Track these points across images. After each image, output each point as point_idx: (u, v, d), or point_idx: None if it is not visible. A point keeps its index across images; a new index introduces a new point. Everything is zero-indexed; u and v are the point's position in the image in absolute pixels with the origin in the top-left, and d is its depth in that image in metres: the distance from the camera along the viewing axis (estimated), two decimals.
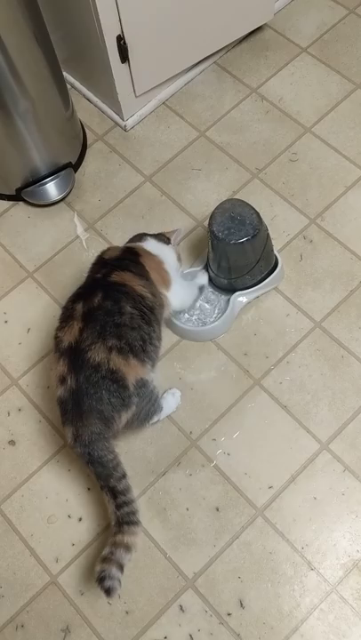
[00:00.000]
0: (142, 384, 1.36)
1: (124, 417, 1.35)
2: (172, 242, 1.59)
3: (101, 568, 1.26)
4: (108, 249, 1.54)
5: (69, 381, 1.32)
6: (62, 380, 1.34)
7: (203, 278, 1.65)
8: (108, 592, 1.25)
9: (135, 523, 1.30)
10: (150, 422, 1.47)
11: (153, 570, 1.43)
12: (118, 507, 1.30)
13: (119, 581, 1.26)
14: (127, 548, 1.28)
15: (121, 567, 1.27)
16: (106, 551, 1.28)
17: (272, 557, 1.42)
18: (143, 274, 1.45)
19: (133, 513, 1.31)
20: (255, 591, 1.40)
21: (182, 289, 1.55)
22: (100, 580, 1.25)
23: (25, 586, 1.45)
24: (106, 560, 1.27)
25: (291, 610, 1.37)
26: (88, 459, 1.32)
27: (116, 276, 1.42)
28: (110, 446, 1.34)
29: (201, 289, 1.64)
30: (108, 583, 1.25)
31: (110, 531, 1.31)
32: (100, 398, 1.31)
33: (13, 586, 1.45)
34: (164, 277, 1.50)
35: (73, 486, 1.52)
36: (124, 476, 1.33)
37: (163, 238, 1.58)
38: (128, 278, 1.42)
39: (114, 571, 1.26)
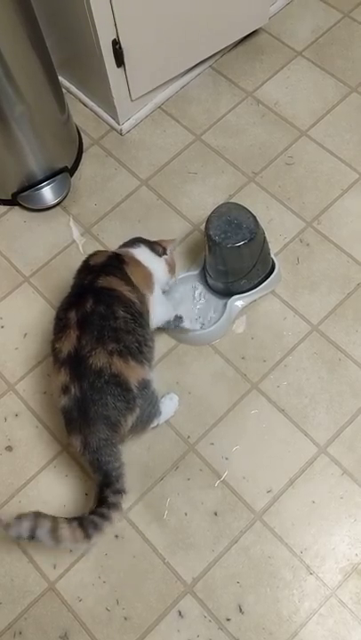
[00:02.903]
0: (145, 385, 1.37)
1: (130, 420, 1.35)
2: (168, 252, 1.56)
3: (33, 517, 1.25)
4: (95, 254, 1.52)
5: (73, 390, 1.32)
6: (65, 390, 1.33)
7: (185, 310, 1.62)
8: (6, 526, 1.24)
9: (88, 535, 1.25)
10: (150, 426, 1.46)
11: (151, 575, 1.42)
12: (92, 512, 1.27)
13: (19, 536, 1.25)
14: (54, 532, 1.24)
15: (32, 533, 1.24)
16: (54, 517, 1.26)
17: (271, 562, 1.42)
18: (127, 280, 1.43)
19: (95, 526, 1.26)
20: (254, 596, 1.39)
21: (161, 306, 1.52)
22: (23, 520, 1.25)
23: (23, 592, 1.44)
24: (42, 515, 1.26)
25: (290, 614, 1.37)
26: (97, 465, 1.31)
27: (103, 281, 1.41)
28: (117, 453, 1.33)
29: (177, 319, 1.57)
30: (20, 529, 1.24)
31: (78, 513, 1.30)
32: (105, 404, 1.30)
33: (11, 592, 1.44)
34: (149, 285, 1.48)
35: (70, 492, 1.52)
36: (121, 491, 1.30)
37: (157, 248, 1.55)
38: (115, 283, 1.41)
39: (25, 523, 1.24)
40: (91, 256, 1.51)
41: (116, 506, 1.29)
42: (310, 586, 1.39)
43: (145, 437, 1.53)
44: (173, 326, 1.58)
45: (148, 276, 1.49)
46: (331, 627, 1.35)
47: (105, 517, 1.27)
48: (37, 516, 1.25)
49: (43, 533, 1.24)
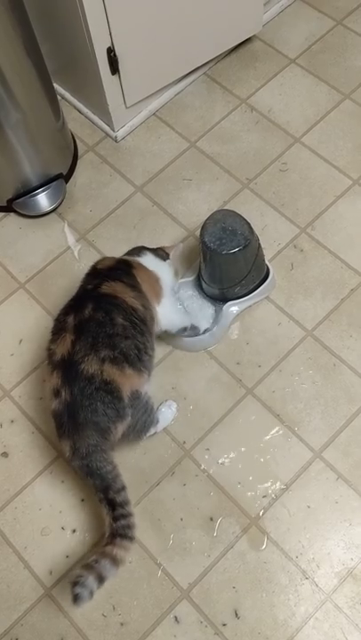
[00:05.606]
0: (137, 395, 1.36)
1: (120, 428, 1.34)
2: (171, 256, 1.58)
3: (79, 573, 1.24)
4: (103, 259, 1.54)
5: (64, 394, 1.32)
6: (56, 393, 1.33)
7: (203, 323, 1.63)
8: (75, 599, 1.21)
9: (129, 538, 1.28)
10: (147, 434, 1.46)
11: (147, 581, 1.43)
12: (115, 519, 1.28)
13: (91, 592, 1.22)
14: (114, 560, 1.26)
15: (100, 578, 1.24)
16: (91, 559, 1.26)
17: (266, 567, 1.42)
18: (135, 285, 1.44)
19: (129, 527, 1.29)
20: (250, 601, 1.39)
21: (173, 310, 1.54)
22: (73, 584, 1.22)
23: (19, 599, 1.44)
24: (87, 567, 1.25)
25: (286, 619, 1.37)
26: (87, 471, 1.31)
27: (107, 287, 1.41)
28: (109, 457, 1.33)
29: (193, 328, 1.60)
30: (77, 590, 1.21)
31: (102, 542, 1.30)
32: (95, 410, 1.31)
33: (7, 599, 1.44)
34: (157, 292, 1.50)
35: (67, 498, 1.52)
36: (123, 488, 1.32)
37: (161, 254, 1.57)
38: (119, 289, 1.41)
39: (90, 580, 1.23)
40: (99, 261, 1.52)
41: (126, 502, 1.31)
42: (306, 590, 1.40)
43: (141, 443, 1.53)
44: (186, 335, 1.60)
45: (155, 280, 1.50)
46: (326, 631, 1.36)
47: (126, 515, 1.29)
48: (88, 565, 1.25)
49: (108, 570, 1.25)
